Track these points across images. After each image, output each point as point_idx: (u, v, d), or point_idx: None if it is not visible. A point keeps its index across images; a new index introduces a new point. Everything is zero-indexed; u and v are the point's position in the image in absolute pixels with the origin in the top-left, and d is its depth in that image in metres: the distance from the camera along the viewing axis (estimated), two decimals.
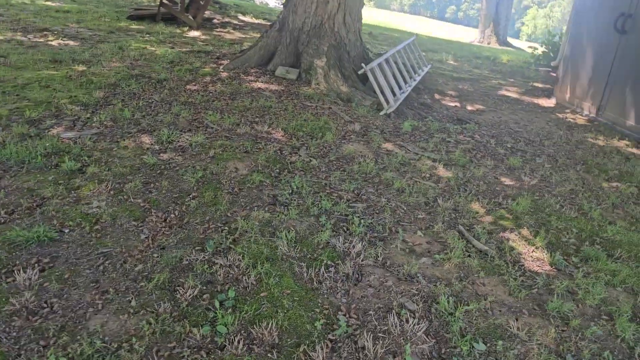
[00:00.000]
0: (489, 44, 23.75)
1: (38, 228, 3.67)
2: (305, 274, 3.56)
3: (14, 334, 2.83)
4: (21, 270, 3.28)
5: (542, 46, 15.03)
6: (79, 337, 2.84)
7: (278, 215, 4.25)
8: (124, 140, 5.44)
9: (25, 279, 3.20)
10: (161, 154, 5.20)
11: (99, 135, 5.51)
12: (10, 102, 6.19)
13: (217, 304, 3.18)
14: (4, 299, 3.05)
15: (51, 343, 2.79)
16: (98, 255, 3.55)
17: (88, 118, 5.93)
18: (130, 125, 5.83)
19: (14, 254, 3.47)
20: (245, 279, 3.43)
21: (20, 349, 2.74)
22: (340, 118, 6.88)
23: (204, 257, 3.61)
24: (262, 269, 3.54)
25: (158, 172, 4.82)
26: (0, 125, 5.52)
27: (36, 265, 3.38)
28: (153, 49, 9.54)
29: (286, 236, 3.93)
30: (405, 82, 8.41)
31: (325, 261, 3.74)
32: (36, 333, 2.85)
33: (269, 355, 2.89)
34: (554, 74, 12.28)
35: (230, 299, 3.25)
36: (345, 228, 4.24)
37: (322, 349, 2.93)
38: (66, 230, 3.77)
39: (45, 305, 3.05)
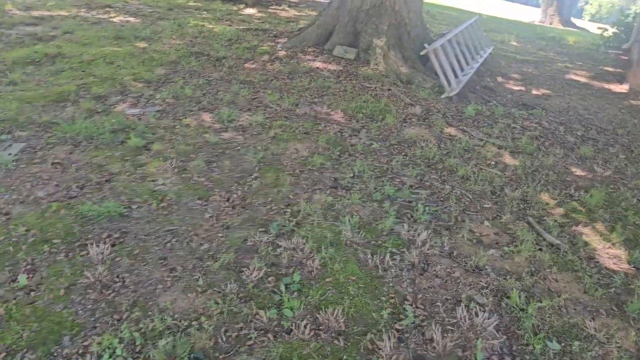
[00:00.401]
0: (551, 24, 22.60)
1: (108, 203, 3.75)
2: (370, 261, 3.49)
3: (90, 306, 2.90)
4: (94, 244, 3.36)
5: (612, 27, 14.13)
6: (150, 313, 2.89)
7: (340, 199, 4.18)
8: (186, 118, 5.48)
9: (98, 253, 3.28)
10: (222, 133, 5.21)
11: (162, 113, 5.57)
12: (77, 78, 6.36)
13: (282, 287, 3.16)
14: (78, 272, 3.14)
15: (124, 317, 2.85)
16: (165, 232, 3.59)
17: (151, 95, 6.01)
18: (191, 103, 5.87)
19: (86, 227, 3.56)
20: (310, 263, 3.38)
21: (95, 321, 2.81)
22: (400, 100, 6.70)
23: (268, 239, 3.59)
24: (326, 253, 3.48)
25: (220, 151, 4.83)
26: (69, 101, 5.68)
27: (107, 239, 3.46)
28: (211, 26, 9.57)
29: (350, 221, 3.85)
30: (468, 64, 8.09)
31: (389, 249, 3.65)
32: (110, 307, 2.91)
33: (335, 342, 2.85)
34: (626, 58, 11.54)
35: (295, 282, 3.22)
36: (409, 215, 4.12)
37: (389, 339, 2.86)
38: (134, 207, 3.84)
39: (117, 279, 3.12)
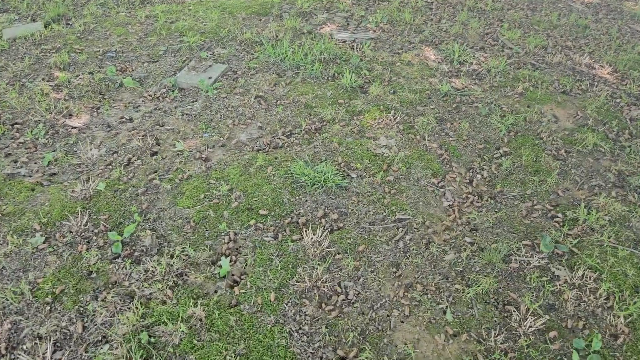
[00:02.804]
0: None
1: (323, 167, 2.91)
2: None
3: (306, 327, 2.13)
4: (309, 227, 2.56)
5: None
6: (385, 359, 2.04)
7: (636, 210, 2.87)
8: (406, 52, 4.38)
9: (314, 242, 2.48)
10: (452, 79, 4.04)
11: (377, 42, 4.53)
12: None
13: (574, 357, 2.09)
14: (291, 266, 2.38)
15: (350, 356, 2.04)
16: (395, 223, 2.67)
17: (362, 16, 4.97)
18: (410, 32, 4.73)
19: (297, 197, 2.78)
20: (610, 319, 2.25)
21: (314, 354, 2.04)
22: None
23: (538, 262, 2.50)
24: (632, 306, 2.30)
25: (453, 105, 3.70)
26: (272, 15, 4.87)
27: (324, 221, 2.64)
28: None
29: None
30: None
31: None
32: (332, 333, 2.12)
33: None
34: None
35: (592, 351, 2.12)
36: None
37: None
38: (354, 176, 2.96)
39: (339, 289, 2.31)
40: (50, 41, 4.19)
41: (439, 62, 4.28)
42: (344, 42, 4.48)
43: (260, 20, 4.76)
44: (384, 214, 2.72)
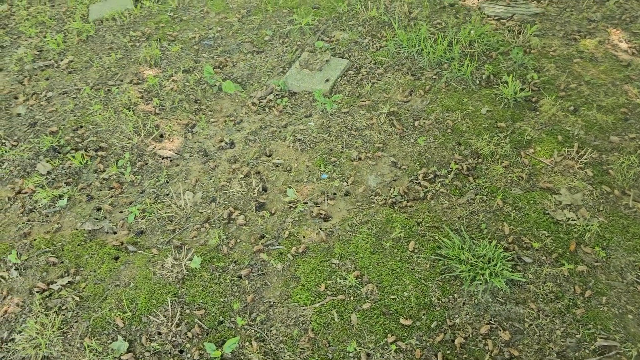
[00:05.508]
0: None
1: (487, 251, 2.10)
2: None
3: None
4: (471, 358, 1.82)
5: None
6: None
7: None
8: (585, 38, 3.24)
9: None
10: None
11: (543, 20, 3.41)
12: None
13: None
14: None
15: None
16: (596, 355, 1.85)
17: None
18: (589, 3, 3.52)
19: (450, 296, 2.02)
20: None
21: None
22: None
23: None
24: None
25: None
26: None
27: (490, 343, 1.88)
28: None
29: None
30: None
31: None
32: None
33: None
34: None
35: None
36: None
37: None
38: (528, 261, 2.13)
39: None
40: (140, 24, 3.54)
41: (633, 53, 3.13)
42: (499, 20, 3.41)
43: None
44: (578, 335, 1.90)
